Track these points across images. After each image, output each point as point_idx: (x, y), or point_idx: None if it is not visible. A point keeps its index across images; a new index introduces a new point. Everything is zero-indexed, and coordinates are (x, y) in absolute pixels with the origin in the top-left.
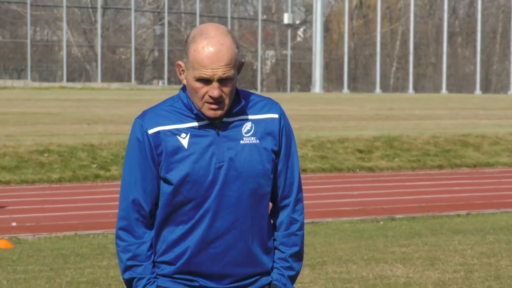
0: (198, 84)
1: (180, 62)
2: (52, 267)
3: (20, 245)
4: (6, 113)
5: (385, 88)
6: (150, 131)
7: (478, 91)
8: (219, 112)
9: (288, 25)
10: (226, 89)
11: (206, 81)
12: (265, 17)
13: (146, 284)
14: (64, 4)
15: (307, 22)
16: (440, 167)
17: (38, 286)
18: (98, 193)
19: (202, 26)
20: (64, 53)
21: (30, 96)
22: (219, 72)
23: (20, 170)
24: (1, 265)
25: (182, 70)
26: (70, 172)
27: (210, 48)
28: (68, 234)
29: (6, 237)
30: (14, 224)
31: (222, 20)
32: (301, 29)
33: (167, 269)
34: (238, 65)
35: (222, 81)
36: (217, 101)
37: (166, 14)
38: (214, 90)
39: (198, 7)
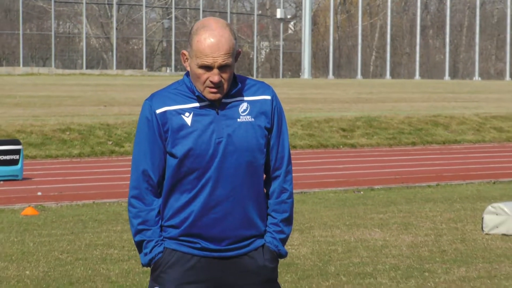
0: (200, 71)
1: (184, 51)
2: (73, 231)
3: (44, 212)
4: (33, 97)
5: (365, 74)
6: (158, 111)
7: (447, 77)
8: (218, 95)
9: (281, 19)
10: (225, 75)
11: (208, 68)
12: (260, 12)
13: (154, 246)
14: (84, 0)
15: (297, 16)
16: (413, 143)
17: (60, 248)
18: (113, 166)
19: (204, 20)
20: (83, 44)
21: (54, 81)
22: (219, 60)
23: (45, 146)
24: (28, 229)
25: (186, 58)
26: (88, 148)
27: (211, 39)
28: (87, 203)
29: (33, 205)
30: (39, 193)
31: (222, 15)
32: (292, 23)
33: (173, 232)
34: (236, 54)
35: (221, 68)
36: (217, 85)
37: (173, 10)
38: (214, 76)
39: (201, 3)
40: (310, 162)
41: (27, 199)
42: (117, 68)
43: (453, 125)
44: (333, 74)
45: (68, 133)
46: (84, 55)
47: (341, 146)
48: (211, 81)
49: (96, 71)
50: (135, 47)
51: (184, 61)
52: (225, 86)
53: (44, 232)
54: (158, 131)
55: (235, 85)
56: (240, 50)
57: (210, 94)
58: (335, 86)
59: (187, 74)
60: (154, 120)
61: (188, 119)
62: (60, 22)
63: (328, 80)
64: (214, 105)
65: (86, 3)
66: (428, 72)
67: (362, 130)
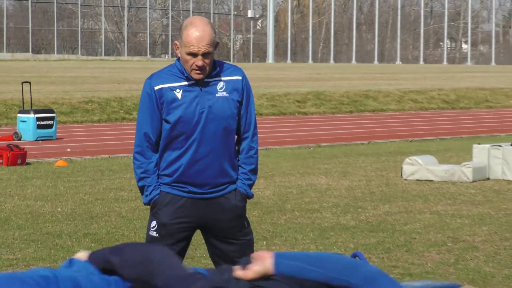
0: (188, 57)
1: (176, 42)
2: (93, 178)
3: (72, 164)
4: (64, 77)
5: (315, 60)
6: (156, 87)
7: (376, 61)
8: (202, 76)
9: (251, 18)
10: (207, 60)
11: (194, 55)
12: (235, 12)
13: (153, 190)
14: (103, 4)
15: (263, 16)
16: (350, 112)
17: (84, 191)
18: (124, 129)
19: (191, 18)
20: (102, 37)
21: (79, 65)
22: (203, 49)
23: (72, 114)
24: (59, 177)
25: (177, 47)
26: (105, 116)
27: (196, 33)
28: (104, 156)
29: (63, 158)
30: (68, 150)
31: (206, 15)
32: (260, 21)
33: (167, 179)
34: (215, 45)
35: (204, 55)
36: (201, 68)
37: (170, 11)
38: (199, 61)
39: (191, 6)
40: (273, 126)
41: (59, 154)
42: (128, 55)
43: (380, 98)
44: (291, 59)
45: (90, 104)
46: (103, 45)
47: (296, 114)
48: (196, 65)
49: (111, 58)
50: (141, 39)
51: (176, 49)
52: (207, 68)
53: (71, 179)
54: (156, 103)
55: (214, 68)
56: (218, 41)
57: (196, 75)
58: (292, 69)
59: (178, 59)
60: (153, 95)
61: (178, 94)
62: (85, 20)
63: (287, 64)
64: (198, 83)
65: (105, 6)
66: (362, 58)
67: (312, 102)
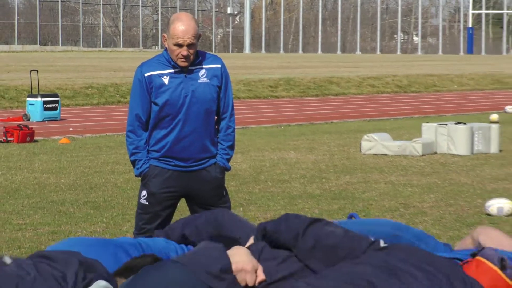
0: (174, 47)
1: (164, 34)
2: (92, 153)
3: (74, 141)
4: (67, 66)
5: (286, 50)
6: (146, 74)
7: (339, 52)
8: (186, 64)
9: (230, 14)
10: (191, 50)
11: (179, 45)
12: (216, 9)
13: (143, 163)
14: (101, 2)
15: (241, 12)
16: (316, 95)
17: (84, 164)
18: (120, 111)
19: (177, 14)
20: (101, 31)
21: (81, 56)
22: (188, 40)
23: (74, 98)
24: (63, 152)
25: (165, 39)
26: (103, 99)
27: (182, 27)
28: (102, 135)
29: (67, 136)
30: (71, 129)
31: (191, 11)
32: (237, 17)
33: (155, 154)
34: (198, 37)
35: (188, 45)
36: (186, 57)
37: (159, 8)
38: (184, 51)
39: (178, 4)
40: (249, 108)
41: (63, 133)
42: (123, 47)
43: (342, 83)
44: (265, 50)
45: (90, 89)
46: (101, 38)
47: (269, 97)
48: (182, 54)
49: (109, 49)
50: (135, 33)
51: (164, 41)
52: (191, 57)
53: (73, 154)
54: (146, 88)
55: (197, 57)
56: (201, 34)
57: (181, 63)
58: (266, 58)
59: (166, 50)
60: (143, 81)
61: (166, 80)
62: (86, 17)
63: (261, 54)
64: (183, 70)
65: (103, 4)
66: (327, 48)
67: (283, 87)
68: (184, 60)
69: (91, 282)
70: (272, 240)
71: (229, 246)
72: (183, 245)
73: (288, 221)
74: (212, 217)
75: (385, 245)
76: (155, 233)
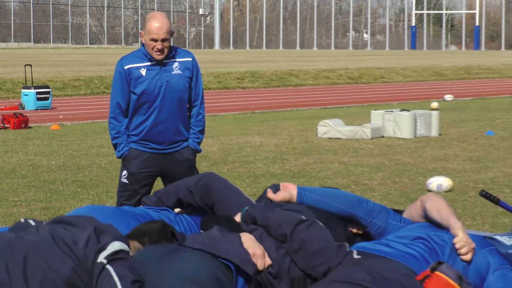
0: (150, 42)
1: (141, 31)
2: (80, 138)
3: (64, 127)
4: (58, 61)
5: (251, 47)
6: (126, 67)
7: (298, 48)
8: (162, 56)
9: (202, 15)
10: (165, 44)
11: (155, 40)
12: (190, 11)
13: (124, 146)
14: (88, 4)
15: (211, 13)
16: (278, 86)
17: (72, 148)
18: (104, 101)
19: (152, 13)
20: (87, 30)
21: (70, 52)
22: (162, 36)
23: (64, 89)
24: (54, 137)
25: (142, 36)
26: (90, 90)
27: (157, 24)
28: (89, 122)
29: (57, 123)
30: (61, 116)
31: (167, 12)
32: (208, 17)
33: (134, 138)
34: (171, 33)
35: (163, 40)
36: (160, 50)
37: (139, 9)
38: (159, 45)
39: (155, 6)
40: (218, 98)
41: (53, 120)
42: (107, 44)
43: (300, 75)
44: (232, 46)
45: (77, 81)
46: (88, 36)
47: (236, 88)
48: (157, 48)
49: (95, 46)
50: (118, 31)
51: (141, 37)
52: (165, 51)
53: (63, 139)
54: (125, 79)
55: (170, 52)
56: (174, 31)
57: (157, 56)
58: (233, 53)
59: (143, 45)
60: (123, 73)
61: (143, 72)
62: (74, 17)
63: (229, 50)
64: (158, 64)
65: (89, 6)
66: (287, 45)
67: (248, 79)
68: (159, 53)
69: (106, 245)
70: (264, 228)
71: (224, 223)
72: (185, 216)
73: (274, 214)
74: (202, 183)
75: (358, 257)
76: (145, 199)
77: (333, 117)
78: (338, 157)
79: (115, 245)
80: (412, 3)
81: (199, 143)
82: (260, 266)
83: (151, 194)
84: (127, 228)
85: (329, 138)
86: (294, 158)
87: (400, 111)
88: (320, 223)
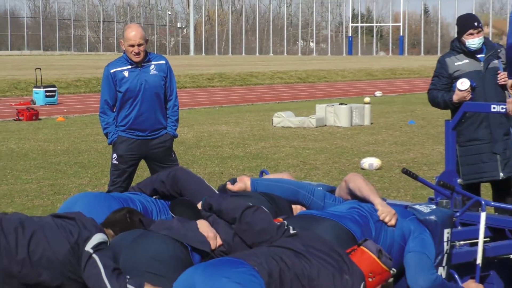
0: (129, 47)
1: (121, 40)
2: (81, 128)
3: (67, 119)
4: (63, 65)
5: (219, 53)
6: (111, 71)
7: (257, 54)
8: (139, 59)
9: (180, 28)
10: (141, 48)
11: (132, 45)
12: (170, 24)
13: (113, 135)
14: (87, 19)
15: (187, 26)
16: (241, 85)
17: (74, 135)
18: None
19: (129, 24)
20: (87, 40)
21: (73, 58)
22: (137, 41)
23: (68, 88)
24: (59, 127)
25: (122, 43)
26: (88, 89)
27: (133, 32)
28: (87, 114)
29: (62, 115)
30: (65, 110)
31: (152, 26)
32: (185, 29)
33: (122, 128)
34: (146, 40)
35: (139, 45)
36: (137, 53)
37: (129, 23)
38: (135, 49)
39: (142, 20)
40: (193, 95)
41: (59, 113)
42: (103, 51)
43: (259, 76)
44: (204, 53)
45: (78, 82)
46: (87, 45)
47: (207, 87)
48: (134, 52)
49: (93, 53)
50: (111, 41)
51: (122, 45)
52: (141, 54)
53: (67, 128)
54: (112, 81)
55: (147, 56)
56: (148, 38)
57: (135, 58)
58: (205, 59)
59: (124, 52)
60: (109, 76)
61: (126, 73)
62: (76, 30)
63: (202, 56)
64: (138, 66)
65: (88, 21)
66: (248, 51)
67: (217, 79)
68: (137, 56)
69: (91, 236)
70: (217, 214)
71: (187, 208)
72: (160, 200)
73: (226, 201)
74: (171, 175)
75: (294, 231)
76: (131, 188)
77: (285, 110)
78: (289, 142)
79: (98, 237)
80: (349, 17)
81: (175, 129)
82: (212, 246)
83: (135, 185)
84: (108, 210)
85: (282, 126)
86: (254, 143)
87: (339, 104)
88: (265, 209)
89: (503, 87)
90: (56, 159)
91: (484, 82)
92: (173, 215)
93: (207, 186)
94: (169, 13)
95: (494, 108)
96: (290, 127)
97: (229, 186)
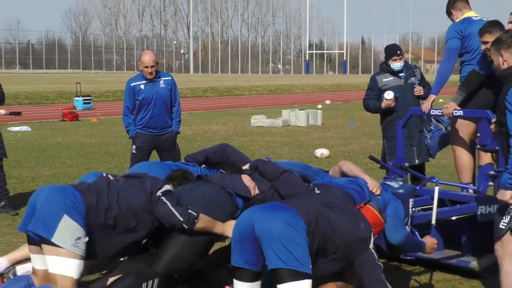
0: (144, 68)
1: (139, 62)
2: (110, 126)
3: (100, 120)
4: (97, 80)
5: (212, 72)
6: (131, 84)
7: (239, 73)
8: (151, 76)
9: (182, 53)
10: (153, 69)
11: (146, 67)
12: (175, 50)
13: (132, 131)
14: (114, 47)
15: (188, 52)
16: (227, 95)
17: (105, 132)
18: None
19: (144, 51)
20: (114, 62)
21: (104, 75)
22: (150, 64)
23: (100, 97)
24: (94, 126)
25: (140, 65)
26: (115, 98)
27: (147, 57)
28: (114, 117)
29: (96, 117)
30: (98, 114)
31: (162, 51)
32: (186, 54)
33: (139, 126)
34: (156, 62)
35: (151, 67)
36: (150, 73)
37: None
38: (149, 70)
39: (155, 47)
40: (192, 102)
41: (94, 115)
42: (126, 70)
43: (241, 89)
44: (201, 72)
45: (108, 93)
46: (114, 66)
47: (203, 97)
48: (148, 72)
49: (118, 72)
50: (132, 63)
51: (139, 66)
52: (153, 73)
53: (100, 127)
54: (131, 92)
55: (157, 74)
56: (158, 61)
57: (148, 76)
58: (201, 76)
59: (141, 71)
60: (130, 88)
61: (142, 86)
62: (106, 55)
63: (199, 74)
64: (151, 81)
65: (115, 48)
66: (233, 71)
67: (210, 91)
68: (150, 74)
69: (162, 186)
70: (260, 173)
71: (235, 169)
72: (205, 169)
73: (270, 165)
74: (221, 147)
75: (319, 191)
76: (187, 157)
77: (260, 114)
78: (262, 137)
79: (166, 186)
80: (306, 46)
81: (178, 127)
82: (252, 193)
83: (189, 154)
84: (164, 174)
85: (257, 126)
86: (236, 138)
87: (299, 110)
88: (296, 173)
89: (418, 97)
90: (91, 150)
91: (404, 93)
92: (222, 171)
93: (245, 156)
94: (175, 42)
95: (433, 111)
96: (263, 126)
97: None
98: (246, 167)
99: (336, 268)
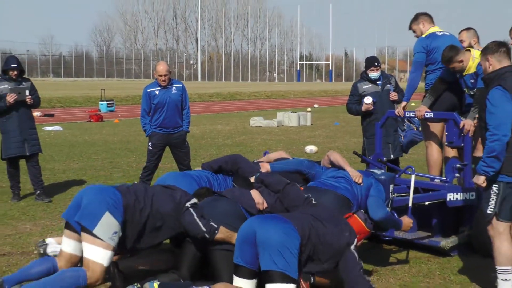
0: (158, 77)
1: (154, 72)
2: (130, 127)
3: (121, 121)
4: (118, 86)
5: (217, 80)
6: (148, 90)
7: (240, 80)
8: (165, 84)
9: (191, 64)
10: (166, 77)
11: (160, 75)
12: (186, 62)
13: (149, 130)
14: (133, 57)
15: (196, 63)
16: (230, 100)
17: (125, 131)
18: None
19: (158, 62)
20: (133, 71)
21: (124, 83)
22: (164, 72)
23: (121, 101)
24: (116, 126)
25: (155, 74)
26: (134, 102)
27: (161, 67)
28: (133, 118)
29: (118, 119)
30: (119, 115)
31: (174, 62)
32: (194, 65)
33: (154, 126)
34: (169, 71)
35: (165, 75)
36: (164, 81)
37: (160, 61)
38: (163, 78)
39: (168, 59)
40: (199, 106)
41: (116, 117)
42: (143, 78)
43: (242, 94)
44: (207, 80)
45: (128, 97)
46: (133, 75)
47: (209, 101)
48: (162, 80)
49: (137, 80)
50: (149, 72)
51: (155, 75)
52: (167, 81)
53: (121, 127)
54: (148, 96)
55: (170, 82)
56: (171, 70)
57: (162, 83)
58: (208, 83)
59: (156, 79)
60: (146, 94)
61: (157, 92)
62: (126, 65)
63: (206, 82)
64: (164, 88)
65: (134, 59)
66: (235, 79)
67: (215, 96)
68: (163, 82)
69: (190, 199)
70: (265, 186)
71: (244, 181)
72: (220, 175)
73: (274, 178)
74: (232, 158)
75: (314, 202)
76: (203, 165)
77: (258, 115)
78: (260, 136)
79: (194, 200)
80: (298, 58)
81: (188, 127)
82: (260, 208)
83: (205, 163)
84: (189, 187)
85: (256, 126)
86: (237, 136)
87: (291, 112)
88: (297, 185)
89: (394, 101)
90: (113, 146)
91: (381, 98)
92: (234, 184)
93: (255, 167)
94: (185, 54)
95: (407, 113)
96: (260, 126)
97: (262, 169)
98: (252, 179)
99: (322, 268)
